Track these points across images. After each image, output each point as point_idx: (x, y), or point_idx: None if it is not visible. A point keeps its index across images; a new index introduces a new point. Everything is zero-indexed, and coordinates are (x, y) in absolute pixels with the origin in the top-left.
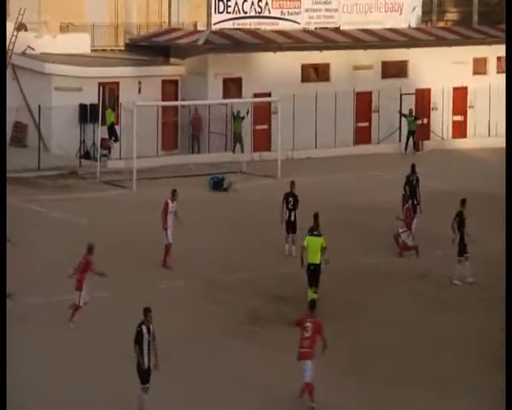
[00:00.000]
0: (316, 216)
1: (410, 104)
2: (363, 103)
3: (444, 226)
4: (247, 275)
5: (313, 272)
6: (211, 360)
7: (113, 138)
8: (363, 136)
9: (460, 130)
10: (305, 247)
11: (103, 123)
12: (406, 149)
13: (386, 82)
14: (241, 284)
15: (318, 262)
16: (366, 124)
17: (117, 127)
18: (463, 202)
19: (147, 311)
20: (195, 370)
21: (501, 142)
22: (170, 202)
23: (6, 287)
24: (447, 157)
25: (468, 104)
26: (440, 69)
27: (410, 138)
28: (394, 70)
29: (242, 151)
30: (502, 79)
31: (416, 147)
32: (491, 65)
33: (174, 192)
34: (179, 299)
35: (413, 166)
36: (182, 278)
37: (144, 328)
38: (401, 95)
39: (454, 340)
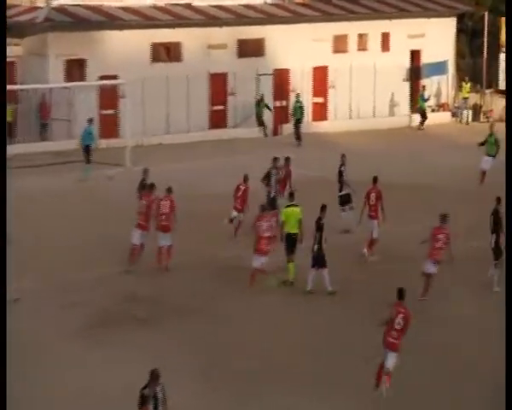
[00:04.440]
0: (291, 194)
1: (268, 86)
2: (218, 85)
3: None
4: (97, 274)
5: (293, 242)
6: (58, 367)
7: None
8: (218, 120)
9: (321, 112)
10: (283, 220)
11: None
12: (265, 133)
13: (242, 62)
14: (92, 283)
15: (296, 232)
16: (221, 107)
17: None
18: (499, 199)
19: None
20: (40, 380)
21: (363, 124)
22: None
23: (6, 283)
24: (308, 141)
25: (329, 85)
26: (299, 48)
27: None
28: (251, 49)
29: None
30: (363, 57)
31: (275, 131)
32: (352, 42)
33: None
34: (28, 304)
35: (275, 160)
36: (31, 280)
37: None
38: (258, 75)
39: (330, 336)
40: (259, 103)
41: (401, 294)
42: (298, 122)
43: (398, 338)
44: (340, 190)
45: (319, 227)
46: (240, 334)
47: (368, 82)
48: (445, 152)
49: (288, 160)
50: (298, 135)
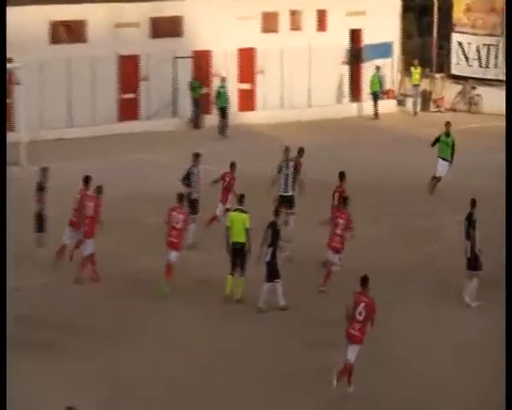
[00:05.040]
0: (241, 197)
1: (186, 70)
2: (129, 70)
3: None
4: None
5: (238, 253)
6: None
7: None
8: (129, 110)
9: (247, 101)
10: (228, 226)
11: None
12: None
13: (156, 43)
14: None
15: (243, 241)
16: (132, 95)
17: None
18: (474, 202)
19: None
20: None
21: (297, 115)
22: None
23: (6, 279)
24: (232, 135)
25: (257, 69)
26: (222, 26)
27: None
28: (166, 28)
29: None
30: (296, 37)
31: (196, 123)
32: (284, 21)
33: None
34: None
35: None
36: None
37: None
38: (175, 58)
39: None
40: (195, 88)
41: (364, 281)
42: (223, 111)
43: (360, 330)
44: (286, 190)
45: (274, 233)
46: (147, 356)
47: (302, 66)
48: (391, 147)
49: (233, 166)
50: (223, 127)
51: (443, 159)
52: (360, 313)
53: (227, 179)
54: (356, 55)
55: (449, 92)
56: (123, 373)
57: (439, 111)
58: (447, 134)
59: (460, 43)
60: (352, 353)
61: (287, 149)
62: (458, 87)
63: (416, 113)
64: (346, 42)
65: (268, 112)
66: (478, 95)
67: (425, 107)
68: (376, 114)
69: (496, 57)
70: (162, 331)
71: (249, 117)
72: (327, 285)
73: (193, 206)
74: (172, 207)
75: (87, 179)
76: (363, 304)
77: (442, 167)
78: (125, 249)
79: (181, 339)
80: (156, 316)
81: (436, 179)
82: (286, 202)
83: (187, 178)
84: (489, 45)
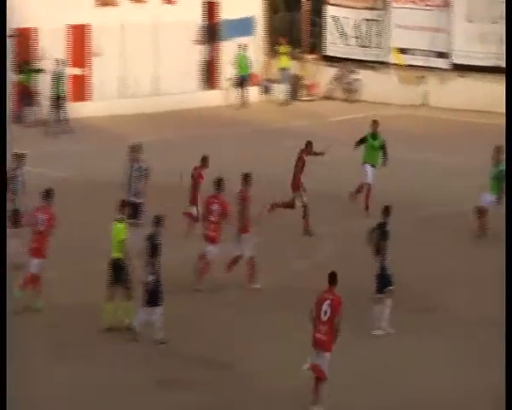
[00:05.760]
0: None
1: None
2: None
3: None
4: None
5: (114, 270)
6: None
7: None
8: None
9: (80, 89)
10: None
11: None
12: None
13: None
14: None
15: (120, 256)
16: None
17: None
18: (387, 210)
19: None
20: None
21: (140, 105)
22: None
23: (6, 284)
24: (62, 129)
25: (92, 51)
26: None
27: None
28: None
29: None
30: (139, 11)
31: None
32: None
33: None
34: None
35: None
36: None
37: None
38: None
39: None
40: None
41: (332, 278)
42: (58, 101)
43: (327, 333)
44: (136, 196)
45: (154, 248)
46: None
47: (147, 47)
48: (252, 142)
49: (204, 160)
50: (58, 121)
51: (369, 164)
52: (325, 313)
53: (195, 176)
54: (212, 33)
55: (323, 77)
56: None
57: (312, 99)
58: (374, 136)
59: (335, 19)
60: (321, 362)
61: (133, 148)
62: (334, 71)
63: (284, 102)
64: (199, 17)
65: (106, 102)
66: (357, 80)
67: (295, 94)
68: (243, 103)
69: (378, 35)
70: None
71: (83, 109)
72: (201, 284)
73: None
74: (37, 207)
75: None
76: (327, 301)
77: (370, 173)
78: None
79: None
80: None
81: (361, 187)
82: (132, 210)
83: (10, 184)
84: (369, 21)
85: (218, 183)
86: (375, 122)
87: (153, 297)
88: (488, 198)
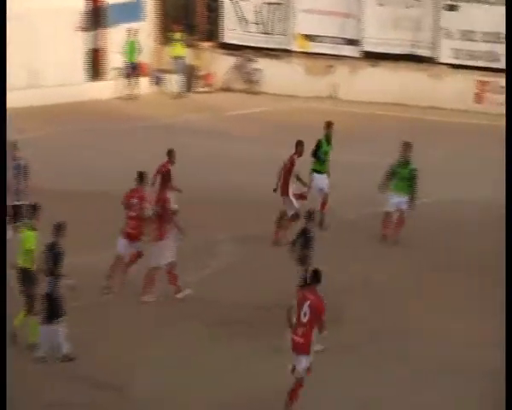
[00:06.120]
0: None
1: None
2: None
3: None
4: None
5: (20, 280)
6: None
7: None
8: None
9: None
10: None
11: None
12: None
13: None
14: None
15: (28, 266)
16: None
17: None
18: (310, 214)
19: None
20: None
21: (15, 99)
22: None
23: (6, 284)
24: None
25: None
26: None
27: None
28: None
29: None
30: None
31: None
32: None
33: None
34: None
35: None
36: None
37: None
38: None
39: None
40: None
41: (315, 276)
42: None
43: (305, 335)
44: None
45: (55, 256)
46: None
47: (20, 34)
48: (137, 140)
49: (170, 153)
50: None
51: (318, 172)
52: (305, 314)
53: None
54: (96, 19)
55: (220, 67)
56: None
57: (208, 91)
58: (328, 140)
59: (234, 2)
60: (299, 366)
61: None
62: (232, 60)
63: (178, 94)
64: (80, 1)
65: None
66: (258, 69)
67: (190, 86)
68: (133, 94)
69: (281, 20)
70: None
71: None
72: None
73: None
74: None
75: None
76: (308, 302)
77: (320, 181)
78: None
79: None
80: None
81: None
82: (16, 213)
83: None
84: (272, 4)
85: (141, 176)
86: (329, 124)
87: (53, 311)
88: (396, 200)
